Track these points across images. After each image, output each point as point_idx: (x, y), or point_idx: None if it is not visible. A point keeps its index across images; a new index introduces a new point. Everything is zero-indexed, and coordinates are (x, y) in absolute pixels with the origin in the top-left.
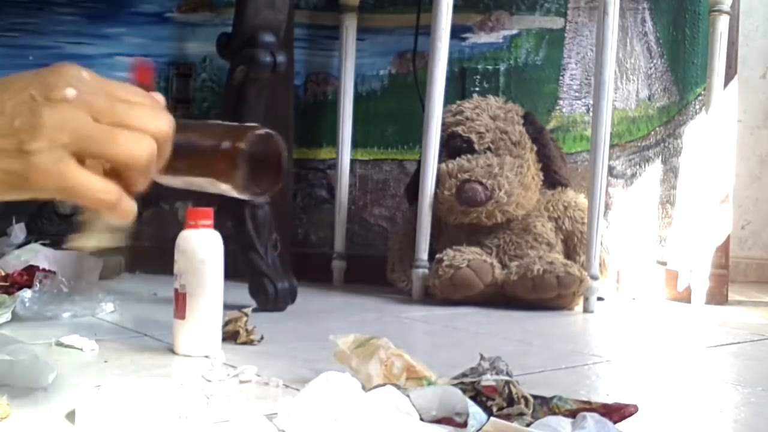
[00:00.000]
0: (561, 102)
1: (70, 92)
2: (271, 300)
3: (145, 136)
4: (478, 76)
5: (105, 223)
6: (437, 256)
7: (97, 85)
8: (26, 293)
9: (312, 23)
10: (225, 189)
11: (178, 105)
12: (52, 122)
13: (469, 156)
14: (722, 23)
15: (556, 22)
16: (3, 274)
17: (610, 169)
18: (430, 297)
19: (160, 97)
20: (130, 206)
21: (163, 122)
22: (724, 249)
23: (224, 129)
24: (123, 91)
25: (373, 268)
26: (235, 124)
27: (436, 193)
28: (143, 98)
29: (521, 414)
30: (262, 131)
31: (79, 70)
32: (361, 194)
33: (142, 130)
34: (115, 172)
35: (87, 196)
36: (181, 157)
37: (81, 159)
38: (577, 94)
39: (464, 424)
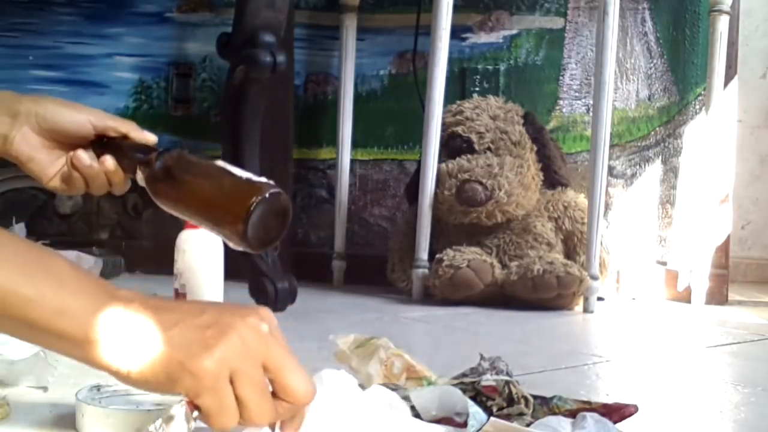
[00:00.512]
0: (561, 102)
1: (265, 327)
2: (271, 300)
3: (275, 407)
4: (478, 76)
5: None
6: (437, 256)
7: (278, 334)
8: None
9: (312, 23)
10: (222, 227)
11: (178, 105)
12: (237, 341)
13: (469, 156)
14: (722, 23)
15: (556, 22)
16: None
17: (610, 169)
18: (430, 297)
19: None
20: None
21: (310, 390)
22: (724, 249)
23: (240, 183)
24: (289, 354)
25: (373, 268)
26: (250, 177)
27: (436, 193)
28: (298, 367)
29: (521, 414)
30: (276, 191)
31: (273, 317)
32: (361, 194)
33: (289, 394)
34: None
35: (222, 410)
36: (191, 199)
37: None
38: (577, 94)
39: (464, 424)
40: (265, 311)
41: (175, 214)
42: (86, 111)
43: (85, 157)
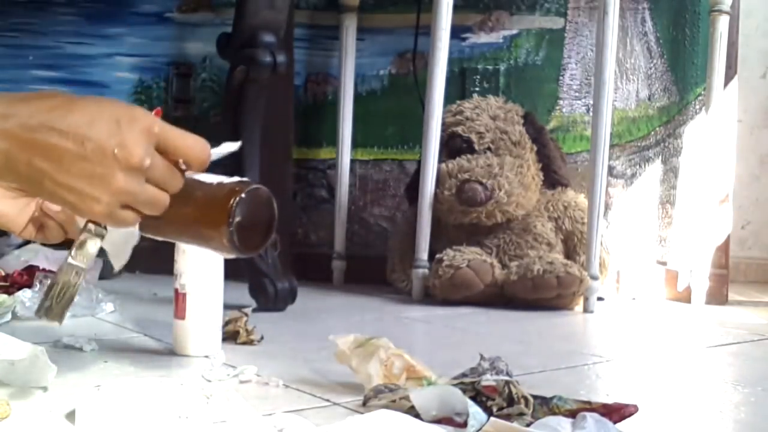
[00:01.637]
0: (561, 102)
1: (146, 162)
2: (271, 300)
3: (165, 195)
4: (478, 76)
5: (98, 245)
6: (437, 256)
7: (166, 139)
8: (26, 293)
9: (312, 23)
10: (210, 241)
11: (178, 105)
12: (122, 186)
13: (469, 156)
14: (722, 23)
15: (556, 22)
16: (3, 274)
17: (610, 169)
18: (430, 297)
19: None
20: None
21: (205, 150)
22: (724, 249)
23: (212, 192)
24: (179, 147)
25: (373, 268)
26: (221, 181)
27: (436, 193)
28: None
29: (521, 414)
30: (252, 188)
31: (155, 125)
32: (361, 194)
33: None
34: None
35: (124, 226)
36: (171, 226)
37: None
38: (577, 94)
39: (464, 424)
40: (146, 126)
41: (166, 240)
42: None
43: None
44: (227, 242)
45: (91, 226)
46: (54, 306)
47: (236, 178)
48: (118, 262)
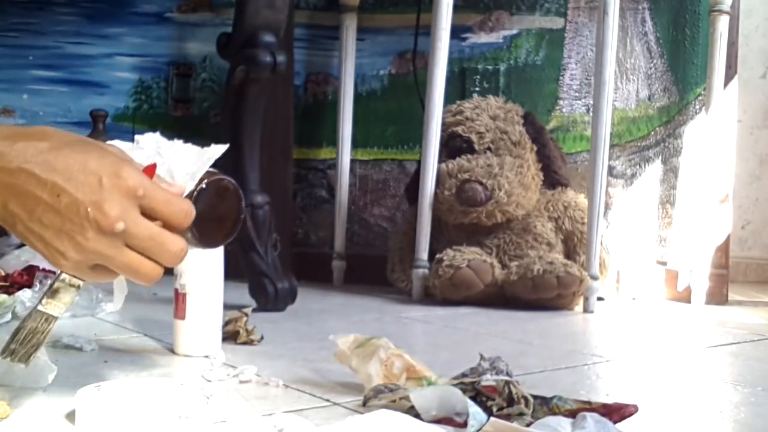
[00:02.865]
0: (561, 102)
1: (119, 227)
2: (271, 300)
3: (180, 241)
4: (478, 76)
5: (74, 295)
6: (437, 256)
7: (144, 203)
8: (26, 293)
9: (312, 23)
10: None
11: (177, 105)
12: (92, 247)
13: (469, 156)
14: (722, 23)
15: (556, 22)
16: (3, 274)
17: (610, 169)
18: (430, 297)
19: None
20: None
21: (180, 257)
22: (724, 249)
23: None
24: (163, 213)
25: (373, 268)
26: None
27: (436, 193)
28: (177, 215)
29: (521, 414)
30: (223, 181)
31: (137, 188)
32: (361, 194)
33: (158, 262)
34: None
35: (102, 280)
36: None
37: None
38: (577, 94)
39: (464, 424)
40: (126, 185)
41: None
42: None
43: None
44: (190, 238)
45: (65, 275)
46: (18, 349)
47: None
48: (121, 296)
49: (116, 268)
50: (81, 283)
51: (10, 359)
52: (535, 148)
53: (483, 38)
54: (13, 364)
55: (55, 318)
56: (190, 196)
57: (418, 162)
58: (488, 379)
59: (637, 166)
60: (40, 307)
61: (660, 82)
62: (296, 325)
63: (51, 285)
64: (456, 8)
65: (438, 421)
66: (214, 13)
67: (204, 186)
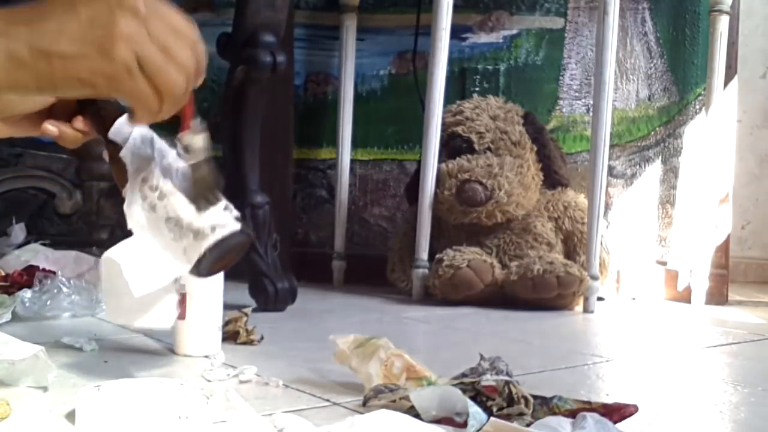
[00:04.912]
0: (561, 102)
1: (141, 6)
2: (271, 300)
3: (181, 71)
4: (478, 76)
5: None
6: (437, 256)
7: (153, 3)
8: (26, 293)
9: (312, 23)
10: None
11: None
12: (128, 31)
13: (469, 156)
14: (722, 23)
15: (556, 22)
16: (3, 274)
17: (610, 169)
18: (430, 297)
19: (193, 31)
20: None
21: (201, 59)
22: (724, 249)
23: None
24: (172, 17)
25: (373, 268)
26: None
27: (436, 193)
28: (187, 29)
29: (521, 414)
30: (233, 239)
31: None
32: (361, 194)
33: (179, 63)
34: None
35: (144, 101)
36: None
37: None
38: (577, 94)
39: (464, 424)
40: None
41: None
42: None
43: (53, 129)
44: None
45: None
46: (201, 195)
47: (217, 209)
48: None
49: (154, 60)
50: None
51: (203, 208)
52: (535, 148)
53: (483, 38)
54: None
55: (203, 161)
56: (207, 250)
57: (418, 162)
58: (488, 379)
59: (637, 166)
60: (185, 162)
61: (660, 82)
62: (296, 325)
63: (180, 145)
64: (456, 8)
65: (438, 421)
66: (214, 13)
67: (211, 246)
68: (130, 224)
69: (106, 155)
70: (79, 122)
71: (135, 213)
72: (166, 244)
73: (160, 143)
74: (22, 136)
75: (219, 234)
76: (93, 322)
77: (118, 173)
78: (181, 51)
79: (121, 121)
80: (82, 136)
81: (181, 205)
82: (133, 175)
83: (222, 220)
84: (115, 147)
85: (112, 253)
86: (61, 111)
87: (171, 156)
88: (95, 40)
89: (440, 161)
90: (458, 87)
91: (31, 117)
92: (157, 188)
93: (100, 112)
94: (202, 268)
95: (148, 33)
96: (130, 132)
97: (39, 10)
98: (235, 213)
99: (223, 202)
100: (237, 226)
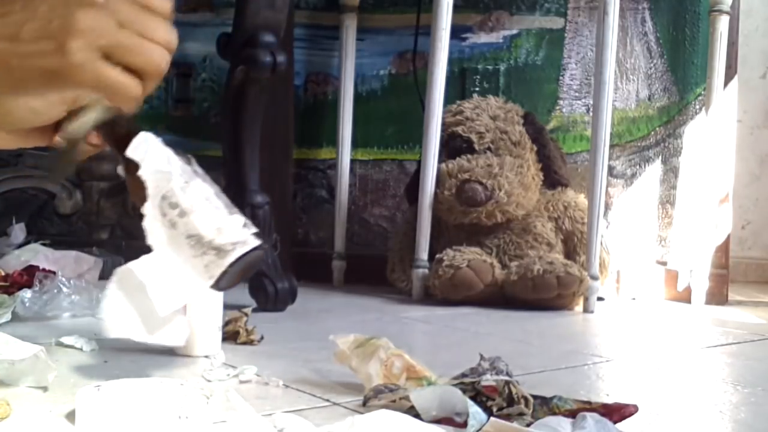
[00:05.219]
0: (561, 102)
1: None
2: (271, 300)
3: (161, 48)
4: (478, 76)
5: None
6: (437, 256)
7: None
8: (26, 293)
9: (312, 23)
10: (194, 269)
11: (178, 105)
12: (86, 24)
13: (469, 156)
14: (722, 23)
15: (556, 22)
16: (3, 274)
17: (610, 169)
18: (430, 297)
19: (167, 4)
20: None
21: (174, 35)
22: (724, 249)
23: (219, 228)
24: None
25: (373, 268)
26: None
27: (436, 193)
28: (159, 6)
29: (521, 414)
30: (252, 255)
31: None
32: (361, 194)
33: (158, 42)
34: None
35: (118, 90)
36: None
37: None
38: (577, 94)
39: (464, 424)
40: None
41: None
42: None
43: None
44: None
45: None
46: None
47: (237, 226)
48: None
49: (126, 50)
50: (103, 104)
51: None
52: (535, 148)
53: (483, 38)
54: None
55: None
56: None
57: (418, 162)
58: (488, 379)
59: (637, 166)
60: (67, 128)
61: (660, 82)
62: (296, 325)
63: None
64: (456, 8)
65: (438, 421)
66: (214, 13)
67: (230, 268)
68: (150, 240)
69: (121, 170)
70: (94, 137)
71: (155, 229)
72: (187, 261)
73: (178, 160)
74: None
75: (239, 251)
76: (93, 322)
77: (136, 190)
78: (158, 27)
79: (139, 139)
80: (93, 150)
81: (202, 223)
82: (153, 192)
83: (242, 236)
84: (132, 164)
85: (135, 267)
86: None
87: (188, 172)
88: (51, 36)
89: (440, 161)
90: (458, 87)
91: (42, 129)
92: (177, 205)
93: (115, 128)
94: (222, 283)
95: (117, 20)
96: (146, 150)
97: None
98: (253, 229)
99: (242, 219)
100: (256, 242)
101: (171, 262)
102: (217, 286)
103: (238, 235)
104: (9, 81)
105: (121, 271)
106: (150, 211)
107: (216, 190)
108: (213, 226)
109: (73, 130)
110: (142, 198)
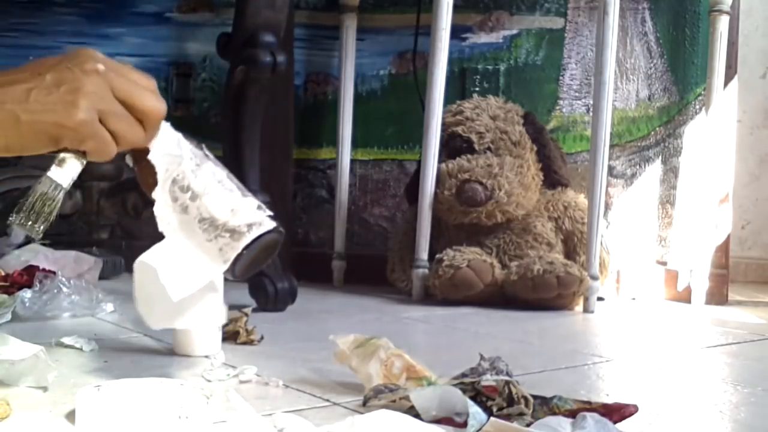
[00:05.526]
0: (561, 102)
1: (101, 66)
2: (271, 300)
3: (146, 118)
4: (478, 76)
5: (79, 167)
6: (437, 256)
7: (112, 64)
8: (26, 293)
9: (312, 23)
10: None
11: (178, 105)
12: (91, 88)
13: (469, 156)
14: (722, 23)
15: (556, 22)
16: (3, 274)
17: (610, 169)
18: (430, 297)
19: (153, 82)
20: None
21: (162, 104)
22: (724, 249)
23: (234, 209)
24: (131, 73)
25: (373, 268)
26: (250, 209)
27: (436, 193)
28: (144, 80)
29: (521, 414)
30: (268, 237)
31: (97, 53)
32: (361, 194)
33: (143, 110)
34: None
35: (104, 148)
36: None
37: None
38: (577, 94)
39: (464, 424)
40: (88, 52)
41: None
42: None
43: None
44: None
45: (69, 150)
46: (31, 214)
47: (251, 208)
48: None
49: (116, 116)
50: (85, 159)
51: (24, 222)
52: (535, 148)
53: (483, 38)
54: (27, 229)
55: (63, 188)
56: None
57: (418, 162)
58: (488, 379)
59: (637, 166)
60: (49, 174)
61: (660, 82)
62: (296, 325)
63: (57, 157)
64: (456, 8)
65: (438, 421)
66: (214, 13)
67: (245, 252)
68: (161, 227)
69: (129, 160)
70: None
71: (166, 215)
72: (200, 245)
73: (187, 144)
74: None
75: (255, 232)
76: (93, 322)
77: (146, 176)
78: (145, 98)
79: None
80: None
81: (215, 205)
82: (163, 177)
83: (257, 218)
84: (140, 152)
85: (146, 257)
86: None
87: (199, 156)
88: (61, 98)
89: (440, 161)
90: (458, 87)
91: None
92: (189, 189)
93: None
94: (238, 267)
95: (111, 88)
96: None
97: (6, 75)
98: (268, 212)
99: (256, 201)
100: (272, 224)
101: (183, 248)
102: (232, 270)
103: (254, 216)
104: (17, 136)
105: (136, 266)
106: (160, 196)
107: (227, 173)
108: (227, 207)
109: (59, 177)
110: (152, 186)
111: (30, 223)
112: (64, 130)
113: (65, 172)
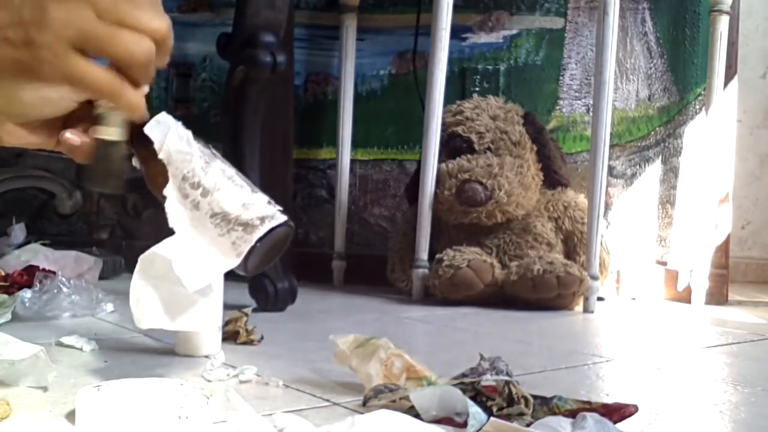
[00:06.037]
0: (561, 102)
1: None
2: (271, 300)
3: (144, 36)
4: (478, 76)
5: (120, 116)
6: (437, 256)
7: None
8: (26, 293)
9: (312, 23)
10: (221, 249)
11: (178, 105)
12: (58, 16)
13: (469, 156)
14: (722, 23)
15: (556, 22)
16: (3, 274)
17: (610, 169)
18: (430, 297)
19: None
20: (136, 98)
21: (163, 22)
22: (724, 249)
23: (246, 203)
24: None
25: (373, 268)
26: (262, 205)
27: (436, 193)
28: None
29: (521, 414)
30: (280, 231)
31: None
32: (361, 194)
33: (142, 30)
34: (118, 69)
35: (92, 84)
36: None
37: (84, 54)
38: (577, 94)
39: (464, 424)
40: None
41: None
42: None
43: (73, 137)
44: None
45: (98, 104)
46: (103, 177)
47: (262, 202)
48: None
49: (92, 34)
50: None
51: (100, 186)
52: (535, 148)
53: (483, 38)
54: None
55: (120, 142)
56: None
57: (418, 162)
58: (488, 379)
59: (637, 166)
60: (99, 135)
61: (660, 82)
62: (296, 325)
63: (96, 116)
64: (456, 8)
65: (438, 421)
66: (214, 13)
67: (258, 244)
68: (172, 223)
69: (135, 161)
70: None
71: (177, 212)
72: (212, 240)
73: (196, 141)
74: (36, 148)
75: (268, 225)
76: (93, 322)
77: (155, 176)
78: (141, 15)
79: (153, 122)
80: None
81: (226, 200)
82: (174, 174)
83: (269, 211)
84: (147, 149)
85: (159, 249)
86: (81, 120)
87: (207, 154)
88: (22, 26)
89: (440, 161)
90: (458, 87)
91: (50, 124)
92: (200, 185)
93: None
94: (251, 261)
95: (96, 11)
96: (166, 131)
97: None
98: (278, 207)
99: (266, 197)
100: (283, 217)
101: (195, 244)
102: (245, 265)
103: (265, 210)
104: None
105: (143, 258)
106: (171, 193)
107: (236, 170)
108: (238, 202)
109: (104, 133)
110: (161, 185)
111: (104, 185)
112: (30, 72)
113: (109, 125)
